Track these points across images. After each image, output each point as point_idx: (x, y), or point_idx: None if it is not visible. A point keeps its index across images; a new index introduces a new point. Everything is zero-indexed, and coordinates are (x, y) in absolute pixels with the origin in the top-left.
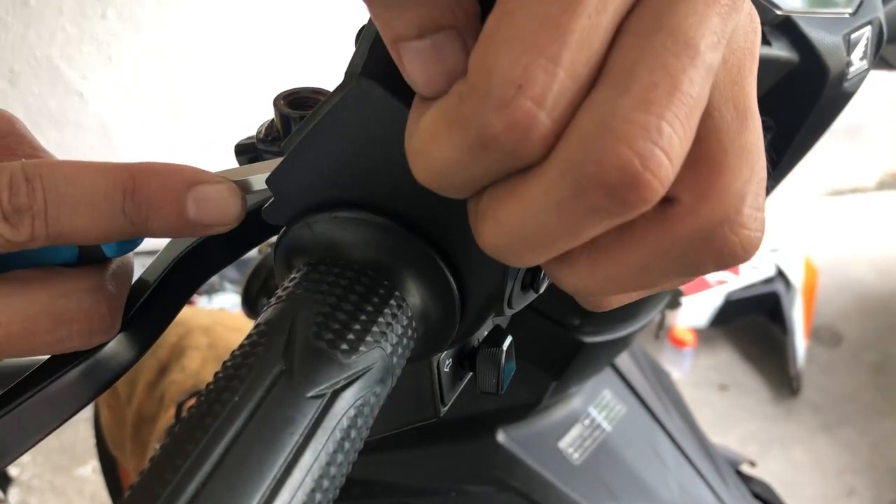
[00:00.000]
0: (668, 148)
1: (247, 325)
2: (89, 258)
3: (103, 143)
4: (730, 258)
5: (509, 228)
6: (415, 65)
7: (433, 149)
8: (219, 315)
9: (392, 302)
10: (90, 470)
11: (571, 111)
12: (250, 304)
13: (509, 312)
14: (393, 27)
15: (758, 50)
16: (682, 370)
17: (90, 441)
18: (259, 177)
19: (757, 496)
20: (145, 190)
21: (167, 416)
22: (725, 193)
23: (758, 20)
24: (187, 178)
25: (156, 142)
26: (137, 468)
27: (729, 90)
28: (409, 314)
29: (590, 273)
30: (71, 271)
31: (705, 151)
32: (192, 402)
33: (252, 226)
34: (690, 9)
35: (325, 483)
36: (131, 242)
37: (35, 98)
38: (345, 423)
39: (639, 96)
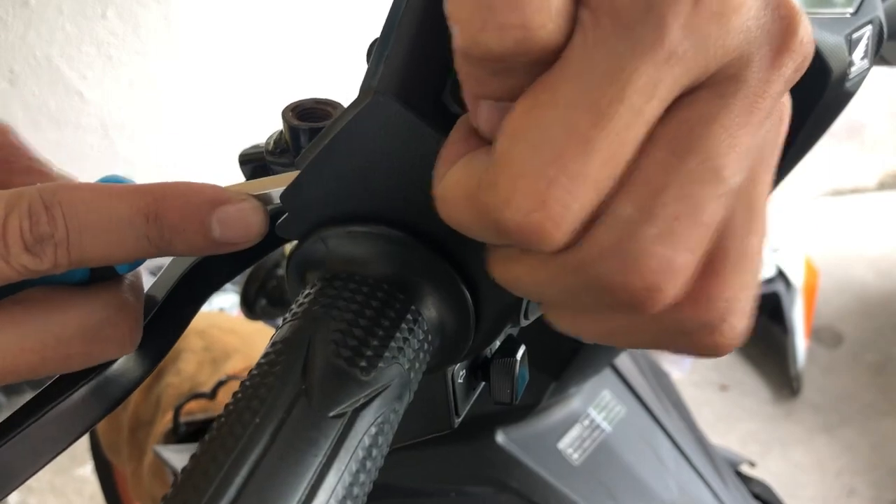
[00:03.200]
0: (680, 275)
1: (242, 327)
2: (101, 275)
3: (103, 143)
4: (702, 354)
5: (515, 280)
6: (488, 118)
7: (451, 209)
8: (214, 317)
9: (408, 316)
10: (90, 470)
11: (590, 220)
12: (249, 305)
13: (525, 323)
14: (485, 87)
15: (783, 137)
16: (682, 370)
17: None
18: (277, 190)
19: (756, 496)
20: (169, 214)
21: (164, 420)
22: (716, 300)
23: (788, 104)
24: (210, 199)
25: (156, 142)
26: (134, 472)
27: (745, 190)
28: (426, 328)
29: (569, 322)
30: (93, 290)
31: (707, 254)
32: (191, 405)
33: None
34: (723, 130)
35: None
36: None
37: (35, 98)
38: (366, 441)
39: (662, 227)
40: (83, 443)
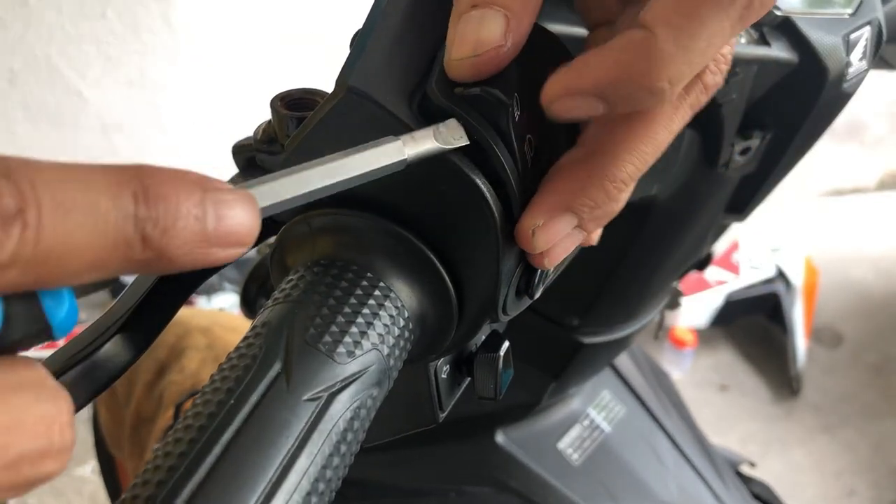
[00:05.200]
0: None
1: (245, 325)
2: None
3: (103, 142)
4: None
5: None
6: (462, 31)
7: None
8: (217, 315)
9: (388, 304)
10: (89, 470)
11: None
12: (249, 305)
13: (504, 319)
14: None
15: None
16: (682, 370)
17: (89, 441)
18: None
19: (756, 497)
20: (158, 190)
21: (166, 417)
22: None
23: None
24: (200, 184)
25: (155, 141)
26: (136, 469)
27: None
28: (406, 316)
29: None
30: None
31: None
32: (191, 402)
33: None
34: None
35: (321, 486)
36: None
37: (34, 98)
38: (341, 425)
39: None
40: (83, 442)
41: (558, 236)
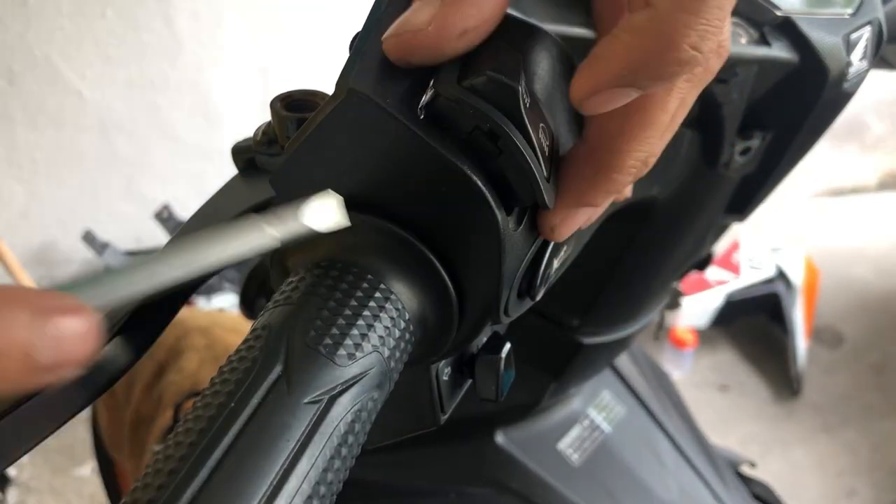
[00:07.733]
0: None
1: (245, 326)
2: None
3: (102, 142)
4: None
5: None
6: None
7: None
8: (217, 316)
9: (389, 306)
10: (89, 470)
11: None
12: (248, 305)
13: (506, 320)
14: None
15: None
16: (682, 371)
17: (89, 441)
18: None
19: (757, 497)
20: None
21: (165, 417)
22: None
23: None
24: (42, 307)
25: (154, 141)
26: (135, 469)
27: None
28: (407, 318)
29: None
30: None
31: None
32: (190, 403)
33: None
34: None
35: (322, 490)
36: None
37: (34, 97)
38: (342, 428)
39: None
40: (82, 443)
41: (580, 224)
